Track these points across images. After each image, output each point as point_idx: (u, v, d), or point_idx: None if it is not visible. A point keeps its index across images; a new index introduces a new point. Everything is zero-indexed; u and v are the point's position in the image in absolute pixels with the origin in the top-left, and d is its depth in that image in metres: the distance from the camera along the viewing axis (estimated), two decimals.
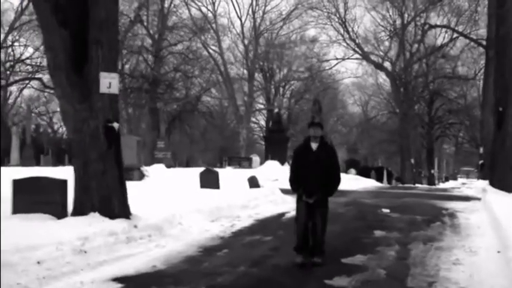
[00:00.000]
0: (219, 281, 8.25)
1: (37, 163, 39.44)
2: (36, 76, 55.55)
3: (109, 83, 11.63)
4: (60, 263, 8.68)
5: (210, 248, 10.95)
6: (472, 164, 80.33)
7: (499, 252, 10.67)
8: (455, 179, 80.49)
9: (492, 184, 24.77)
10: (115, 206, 11.66)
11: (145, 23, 52.46)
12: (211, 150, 72.87)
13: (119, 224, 11.15)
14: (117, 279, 8.16)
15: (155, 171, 25.90)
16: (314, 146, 9.56)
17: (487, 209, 17.63)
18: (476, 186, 28.39)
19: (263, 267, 9.27)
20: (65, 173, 16.35)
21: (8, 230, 9.79)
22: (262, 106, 67.79)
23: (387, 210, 17.36)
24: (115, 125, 11.77)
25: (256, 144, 73.93)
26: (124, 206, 11.92)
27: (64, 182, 11.81)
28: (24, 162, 35.18)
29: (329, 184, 9.51)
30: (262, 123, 70.13)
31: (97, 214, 11.37)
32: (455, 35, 57.76)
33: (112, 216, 11.37)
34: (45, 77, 54.18)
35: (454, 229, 13.99)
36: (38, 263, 8.43)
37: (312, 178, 9.38)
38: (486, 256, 10.44)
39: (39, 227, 10.33)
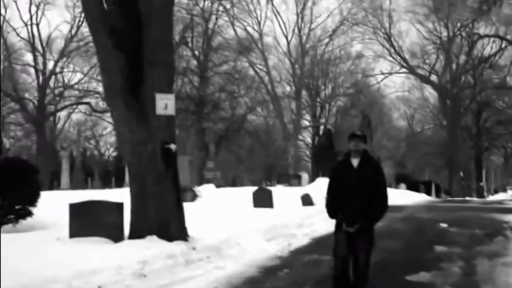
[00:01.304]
0: None
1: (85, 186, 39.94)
2: (84, 101, 56.29)
3: (165, 104, 11.62)
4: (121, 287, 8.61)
5: (270, 268, 10.79)
6: None
7: None
8: (504, 190, 79.03)
9: None
10: (173, 229, 11.61)
11: (190, 44, 52.76)
12: (257, 168, 72.81)
13: (177, 246, 11.08)
14: None
15: (206, 192, 25.85)
16: (355, 162, 7.67)
17: None
18: None
19: (326, 287, 9.08)
20: (116, 195, 16.49)
21: (66, 254, 9.82)
22: (308, 123, 67.56)
23: (445, 225, 17.02)
24: (172, 146, 11.75)
25: (303, 161, 73.57)
26: (182, 228, 11.86)
27: (120, 205, 11.79)
28: (74, 185, 35.60)
29: (375, 208, 7.56)
30: (308, 140, 69.82)
31: (154, 237, 11.31)
32: (504, 44, 56.82)
33: (169, 238, 11.30)
34: (93, 101, 55.05)
35: None
36: (99, 287, 8.36)
37: (354, 201, 7.46)
38: None
39: (97, 250, 10.32)
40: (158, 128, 11.74)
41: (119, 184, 48.91)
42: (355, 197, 7.44)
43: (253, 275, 10.19)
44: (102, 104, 54.58)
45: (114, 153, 78.18)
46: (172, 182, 11.87)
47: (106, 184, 52.28)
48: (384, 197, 7.61)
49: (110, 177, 57.97)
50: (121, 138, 12.22)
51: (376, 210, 7.54)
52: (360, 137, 7.83)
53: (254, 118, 65.40)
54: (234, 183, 58.77)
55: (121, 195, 16.37)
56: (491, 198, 58.25)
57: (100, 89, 52.59)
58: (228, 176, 62.63)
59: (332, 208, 7.73)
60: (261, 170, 72.05)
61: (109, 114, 56.92)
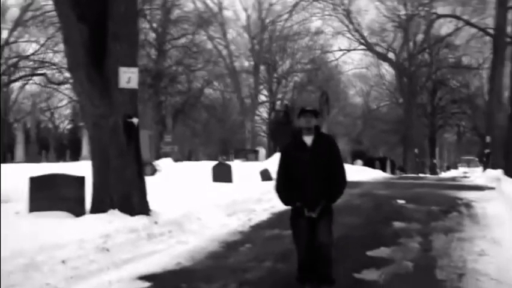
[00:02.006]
0: (248, 277, 8.16)
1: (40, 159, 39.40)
2: (39, 72, 55.24)
3: (128, 77, 11.52)
4: (85, 262, 8.57)
5: (232, 243, 10.86)
6: (473, 153, 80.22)
7: None
8: (456, 168, 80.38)
9: (507, 173, 24.70)
10: (135, 203, 11.56)
11: (148, 17, 52.20)
12: (213, 143, 72.83)
13: (139, 220, 11.05)
14: (144, 278, 8.07)
15: (164, 166, 25.79)
16: (309, 140, 7.05)
17: (504, 198, 17.52)
18: (487, 175, 28.25)
19: (289, 262, 9.09)
20: (74, 169, 16.34)
21: (28, 228, 9.72)
22: (265, 98, 67.59)
23: (403, 201, 17.27)
24: (135, 120, 11.67)
25: (259, 136, 73.70)
26: (144, 202, 11.82)
27: (81, 179, 11.68)
28: (29, 158, 35.10)
29: (334, 187, 7.08)
30: (265, 115, 69.94)
31: (116, 211, 11.26)
32: (461, 24, 57.44)
33: (131, 213, 11.26)
34: (49, 73, 54.11)
35: (472, 219, 13.90)
36: (63, 262, 8.32)
37: (312, 183, 6.92)
38: (510, 247, 10.33)
39: (58, 225, 10.23)
40: (121, 102, 11.63)
41: (75, 157, 48.42)
42: (313, 179, 6.91)
43: (216, 250, 10.25)
44: (58, 76, 53.83)
45: (69, 126, 77.37)
46: (134, 156, 11.80)
47: (60, 157, 51.79)
48: (342, 174, 7.15)
49: (65, 150, 57.41)
50: (84, 112, 12.08)
51: (336, 189, 7.09)
52: (312, 112, 7.13)
53: (211, 92, 65.27)
54: (189, 157, 58.72)
55: (78, 169, 16.25)
56: (443, 175, 59.20)
57: (57, 60, 51.95)
58: (184, 150, 62.52)
59: (285, 193, 7.19)
60: (217, 144, 72.13)
61: (65, 86, 56.31)
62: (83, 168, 17.47)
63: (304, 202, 6.95)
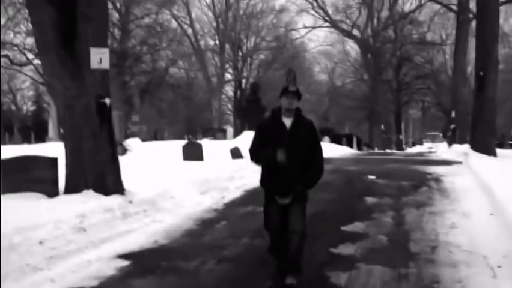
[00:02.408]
0: (225, 254, 8.23)
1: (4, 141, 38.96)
2: (1, 54, 54.31)
3: (99, 58, 11.44)
4: (62, 242, 8.56)
5: (207, 220, 10.93)
6: (437, 128, 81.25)
7: (491, 214, 10.83)
8: (421, 143, 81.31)
9: (473, 148, 25.08)
10: (109, 182, 11.56)
11: None
12: (179, 122, 72.63)
13: (114, 200, 11.06)
14: (123, 256, 8.10)
15: (133, 146, 25.70)
16: (288, 122, 6.68)
17: (471, 172, 17.83)
18: (454, 150, 28.64)
19: (265, 239, 9.17)
20: (42, 150, 16.24)
21: (2, 210, 9.66)
22: (230, 77, 67.51)
23: (373, 177, 17.47)
24: (107, 100, 11.63)
25: (225, 115, 73.67)
26: (118, 182, 11.83)
27: (54, 160, 11.64)
28: None
29: (313, 172, 6.77)
30: (231, 93, 69.90)
31: (90, 191, 11.25)
32: (424, 0, 57.89)
33: (106, 192, 11.27)
34: (11, 54, 53.24)
35: (442, 193, 14.13)
36: (41, 242, 8.31)
37: (288, 168, 6.54)
38: (480, 219, 10.60)
39: (33, 206, 10.22)
40: (93, 83, 11.56)
41: (40, 139, 47.95)
42: (289, 163, 6.50)
43: (191, 227, 10.31)
44: (20, 57, 53.05)
45: (32, 108, 76.51)
46: (108, 137, 11.77)
47: (25, 139, 51.23)
48: (321, 160, 6.84)
49: (30, 132, 56.82)
50: (55, 93, 11.94)
51: (313, 175, 6.77)
52: (295, 93, 6.65)
53: (176, 71, 64.91)
54: (155, 136, 58.51)
55: (46, 150, 16.17)
56: (409, 150, 59.89)
57: (18, 41, 51.12)
58: (150, 130, 62.30)
59: (257, 152, 6.79)
60: (183, 124, 71.97)
61: (28, 67, 55.55)
62: (50, 149, 17.45)
63: (277, 186, 6.66)
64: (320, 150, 6.83)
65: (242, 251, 8.49)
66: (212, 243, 8.98)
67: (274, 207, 6.74)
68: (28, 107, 79.46)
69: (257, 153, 6.79)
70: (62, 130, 13.51)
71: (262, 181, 6.91)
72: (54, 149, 17.70)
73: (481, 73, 25.27)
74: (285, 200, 6.64)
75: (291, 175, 6.57)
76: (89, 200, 10.75)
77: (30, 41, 48.62)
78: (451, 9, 50.82)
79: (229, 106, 71.86)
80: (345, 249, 8.43)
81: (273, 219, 6.79)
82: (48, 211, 9.81)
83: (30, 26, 46.63)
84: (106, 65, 11.68)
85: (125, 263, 7.80)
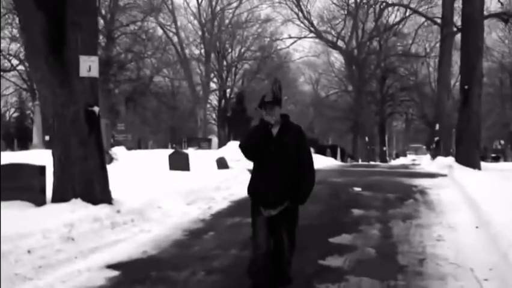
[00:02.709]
0: (215, 265, 8.24)
1: None
2: None
3: (88, 66, 11.43)
4: (51, 252, 8.54)
5: (194, 231, 10.94)
6: (420, 140, 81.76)
7: (477, 227, 10.90)
8: (404, 155, 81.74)
9: (458, 161, 25.23)
10: (97, 192, 11.52)
11: (97, 3, 51.46)
12: (163, 131, 72.53)
13: (102, 209, 11.02)
14: (112, 266, 8.11)
15: (119, 154, 25.63)
16: (274, 130, 6.36)
17: (456, 185, 17.93)
18: (438, 162, 28.75)
19: None
20: (26, 157, 16.15)
21: None
22: (215, 86, 67.53)
23: (359, 189, 17.52)
24: (96, 109, 11.61)
25: (209, 124, 73.66)
26: (106, 191, 11.78)
27: (42, 168, 11.58)
28: None
29: (303, 184, 6.39)
30: (215, 103, 69.99)
31: (79, 200, 11.19)
32: (408, 13, 58.33)
33: (94, 201, 11.22)
34: None
35: (427, 206, 14.19)
36: (29, 252, 8.28)
37: (275, 179, 6.28)
38: (465, 232, 10.65)
39: (20, 215, 10.16)
40: (82, 91, 11.52)
41: (23, 146, 47.71)
42: (277, 173, 6.26)
43: (180, 238, 10.33)
44: (3, 63, 52.82)
45: (16, 114, 76.07)
46: (96, 145, 11.74)
47: (8, 146, 50.94)
48: (312, 169, 6.48)
49: (13, 138, 56.51)
50: (43, 100, 11.90)
51: (305, 187, 6.40)
52: (273, 102, 6.27)
53: (161, 80, 64.89)
54: (139, 145, 58.41)
55: (31, 158, 16.11)
56: (393, 162, 60.19)
57: (2, 46, 50.91)
58: (134, 138, 62.20)
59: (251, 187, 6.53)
60: (167, 133, 71.86)
61: (11, 73, 55.33)
62: (35, 157, 17.38)
63: (264, 198, 6.35)
64: (309, 157, 6.48)
65: (231, 262, 8.49)
66: (201, 253, 8.99)
67: (262, 218, 6.38)
68: (11, 113, 78.94)
69: (248, 139, 6.45)
70: (47, 137, 13.48)
71: (249, 189, 6.55)
72: (39, 156, 17.65)
73: (466, 86, 25.44)
74: (271, 212, 6.32)
75: (279, 187, 6.24)
76: (77, 209, 10.70)
77: (14, 46, 48.52)
78: (435, 22, 51.21)
79: (214, 115, 71.92)
80: (334, 261, 8.47)
81: (261, 229, 6.40)
82: (36, 220, 9.77)
83: (14, 31, 46.74)
84: (95, 73, 11.67)
85: (114, 273, 7.80)
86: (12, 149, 46.13)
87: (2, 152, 29.10)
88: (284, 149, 6.29)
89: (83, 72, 11.46)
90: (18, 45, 50.17)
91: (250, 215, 6.59)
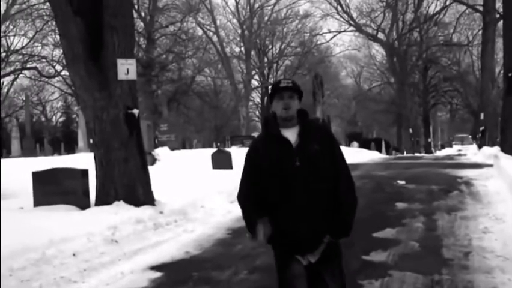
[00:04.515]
0: (258, 263, 8.19)
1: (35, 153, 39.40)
2: (30, 66, 54.95)
3: (126, 69, 11.55)
4: (95, 254, 8.66)
5: (238, 229, 10.87)
6: (466, 130, 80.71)
7: None
8: (450, 146, 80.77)
9: (503, 150, 24.78)
10: (140, 194, 11.65)
11: (136, 6, 51.91)
12: (207, 130, 72.87)
13: (145, 211, 11.13)
14: (155, 268, 8.14)
15: (162, 155, 25.76)
16: (292, 134, 4.34)
17: (502, 175, 17.59)
18: (484, 152, 28.30)
19: None
20: (72, 161, 16.33)
21: (35, 223, 9.78)
22: (257, 83, 67.62)
23: (403, 182, 17.35)
24: (135, 111, 11.72)
25: (253, 121, 73.81)
26: (148, 193, 11.90)
27: (85, 172, 11.75)
28: (25, 153, 35.06)
29: (343, 207, 4.33)
30: (258, 100, 70.06)
31: (121, 202, 11.33)
32: (449, 1, 57.43)
33: (137, 203, 11.35)
34: (40, 66, 53.92)
35: (473, 197, 13.98)
36: (74, 255, 8.40)
37: (305, 207, 4.23)
38: None
39: (65, 218, 10.32)
40: (121, 94, 11.68)
41: (69, 150, 48.36)
42: (308, 199, 4.23)
43: (222, 237, 10.34)
44: (49, 69, 53.70)
45: (62, 119, 77.23)
46: (137, 147, 11.87)
47: (55, 150, 51.68)
48: (352, 183, 4.46)
49: (60, 143, 57.31)
50: (84, 105, 12.07)
51: (348, 210, 4.40)
52: (292, 89, 4.37)
53: (202, 79, 65.18)
54: (184, 145, 58.75)
55: (77, 161, 16.31)
56: (438, 153, 59.49)
57: (46, 53, 51.77)
58: (178, 138, 62.60)
59: (254, 208, 4.40)
60: (211, 131, 72.19)
61: (56, 79, 56.18)
62: (81, 160, 17.61)
63: (293, 239, 4.30)
64: (346, 169, 4.45)
65: (274, 260, 8.45)
66: (244, 252, 8.97)
67: (295, 270, 4.40)
68: (57, 118, 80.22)
69: (247, 220, 4.53)
70: (91, 141, 13.68)
71: (251, 212, 4.48)
72: (84, 159, 17.85)
73: (510, 74, 24.96)
74: (311, 259, 4.37)
75: (312, 218, 4.25)
76: (120, 212, 10.82)
77: (58, 52, 49.26)
78: (476, 10, 50.39)
79: (257, 113, 72.00)
80: (377, 256, 8.38)
81: (298, 283, 4.42)
82: (80, 223, 9.91)
83: (57, 37, 47.36)
84: (133, 75, 11.78)
85: (157, 274, 7.83)
86: (60, 153, 46.78)
87: (49, 157, 29.63)
88: (312, 161, 4.26)
89: (121, 75, 11.56)
90: (61, 51, 50.93)
91: (276, 270, 4.58)
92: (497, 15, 40.97)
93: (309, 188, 4.25)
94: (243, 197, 4.56)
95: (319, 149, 4.31)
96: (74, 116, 68.63)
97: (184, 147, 50.76)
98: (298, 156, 4.26)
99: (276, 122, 4.42)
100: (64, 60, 52.88)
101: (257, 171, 4.36)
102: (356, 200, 4.51)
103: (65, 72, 50.88)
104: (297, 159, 4.25)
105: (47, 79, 57.05)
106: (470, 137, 68.39)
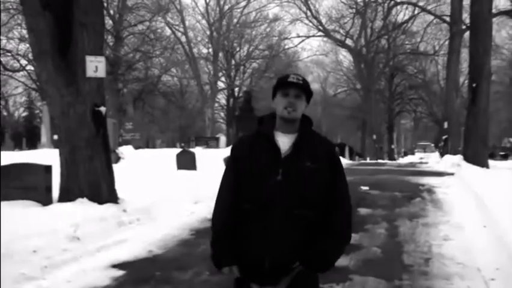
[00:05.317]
0: None
1: None
2: None
3: (95, 66, 11.48)
4: (57, 251, 8.58)
5: (201, 230, 10.88)
6: (429, 138, 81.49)
7: (485, 227, 10.84)
8: (412, 153, 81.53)
9: (466, 159, 25.17)
10: (104, 191, 11.60)
11: (105, 4, 51.55)
12: (171, 130, 72.62)
13: (108, 209, 11.09)
14: (117, 266, 8.10)
15: (126, 153, 25.69)
16: (286, 141, 3.61)
17: (464, 183, 17.87)
18: (446, 161, 28.64)
19: None
20: (34, 157, 16.17)
21: None
22: (223, 85, 67.56)
23: (367, 188, 17.48)
24: (102, 109, 11.66)
25: (217, 123, 73.67)
26: (112, 191, 11.86)
27: (49, 168, 11.64)
28: None
29: (326, 238, 3.55)
30: (223, 102, 69.97)
31: (85, 200, 11.27)
32: (417, 11, 58.07)
33: (100, 201, 11.29)
34: (4, 60, 53.12)
35: (435, 205, 14.15)
36: (35, 251, 8.31)
37: (279, 227, 3.48)
38: (473, 231, 10.57)
39: (27, 214, 10.22)
40: (88, 91, 11.62)
41: (31, 145, 47.87)
42: (283, 219, 3.46)
43: (186, 237, 10.32)
44: (13, 63, 52.99)
45: (24, 114, 76.35)
46: (103, 145, 11.82)
47: (17, 145, 51.16)
48: (348, 218, 3.72)
49: (21, 138, 56.72)
50: (50, 100, 11.97)
51: (332, 245, 3.59)
52: (301, 87, 3.61)
53: (169, 79, 64.98)
54: (147, 144, 58.54)
55: (39, 157, 16.15)
56: (401, 160, 59.97)
57: (11, 46, 51.08)
58: (142, 137, 62.33)
59: (226, 239, 3.63)
60: (175, 132, 71.98)
61: (20, 73, 55.51)
62: (43, 156, 17.44)
63: (258, 263, 3.51)
64: (347, 203, 3.72)
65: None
66: (207, 253, 8.80)
67: None
68: (20, 113, 79.18)
69: (220, 254, 3.69)
70: (55, 137, 13.58)
71: (226, 250, 3.66)
72: (47, 155, 17.69)
73: (474, 84, 25.37)
74: None
75: (287, 241, 3.47)
76: (83, 209, 10.76)
77: (23, 47, 48.71)
78: (444, 21, 50.97)
79: (222, 114, 71.93)
80: (339, 260, 8.39)
81: None
82: (42, 219, 9.84)
83: (23, 31, 46.85)
84: (102, 73, 11.72)
85: (119, 272, 7.79)
86: (21, 148, 46.31)
87: (10, 152, 29.28)
88: (298, 179, 3.49)
89: (89, 72, 11.50)
90: (27, 45, 50.39)
91: None
92: (464, 27, 41.52)
93: (288, 212, 3.45)
94: (220, 224, 3.72)
95: (312, 167, 3.51)
96: (38, 111, 67.87)
97: (147, 147, 50.61)
98: (282, 169, 3.48)
99: (273, 122, 3.68)
100: (29, 55, 52.51)
101: (237, 179, 3.61)
102: (348, 239, 3.74)
103: (30, 67, 50.39)
104: (280, 172, 3.47)
105: (11, 73, 56.20)
106: (432, 145, 69.04)
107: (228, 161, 3.76)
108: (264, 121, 3.71)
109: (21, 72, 55.35)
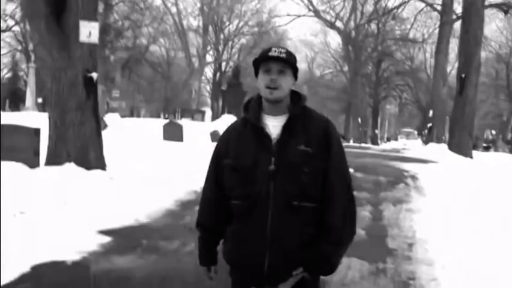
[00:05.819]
0: None
1: None
2: None
3: (89, 32, 11.40)
4: (43, 215, 8.55)
5: (187, 202, 10.95)
6: (412, 125, 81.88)
7: (467, 215, 10.95)
8: (396, 139, 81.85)
9: (450, 148, 25.34)
10: (92, 157, 11.57)
11: None
12: (156, 101, 72.41)
13: (96, 175, 11.09)
14: (104, 232, 8.13)
15: (112, 121, 25.62)
16: (276, 124, 3.13)
17: (447, 172, 18.01)
18: (430, 148, 28.79)
19: None
20: (19, 119, 16.08)
21: None
22: (211, 59, 67.42)
23: (352, 170, 17.50)
24: (94, 75, 11.59)
25: (202, 96, 73.52)
26: (100, 157, 11.84)
27: (37, 131, 11.58)
28: None
29: (330, 233, 3.11)
30: (210, 75, 69.83)
31: (72, 165, 11.23)
32: None
33: (88, 167, 11.27)
34: None
35: (418, 191, 14.23)
36: (21, 213, 8.29)
37: (276, 227, 3.03)
38: (456, 219, 10.68)
39: (14, 176, 10.15)
40: (81, 56, 11.53)
41: (15, 107, 47.54)
42: (279, 219, 3.04)
43: (172, 208, 10.36)
44: None
45: (8, 75, 75.65)
46: (93, 111, 11.77)
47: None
48: (348, 209, 3.32)
49: (4, 100, 56.29)
50: (42, 64, 11.88)
51: (336, 239, 3.16)
52: (284, 61, 3.11)
53: (156, 49, 64.73)
54: (132, 113, 58.38)
55: (24, 120, 16.05)
56: (384, 145, 60.21)
57: None
58: (127, 106, 62.13)
59: (208, 238, 3.47)
60: (160, 102, 71.77)
61: (6, 33, 54.98)
62: (28, 119, 17.35)
63: (251, 270, 3.15)
64: (345, 188, 3.32)
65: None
66: (192, 225, 8.96)
67: None
68: (4, 74, 78.39)
69: (205, 251, 3.51)
70: (40, 100, 13.47)
71: (225, 251, 3.32)
72: (32, 118, 17.60)
73: (463, 75, 25.48)
74: None
75: (285, 241, 3.07)
76: (70, 174, 10.74)
77: (10, 7, 48.20)
78: (434, 9, 50.96)
79: (208, 88, 71.79)
80: None
81: None
82: (29, 182, 9.79)
83: None
84: (95, 39, 11.65)
85: (106, 239, 7.82)
86: (4, 110, 45.96)
87: None
88: (295, 165, 3.07)
89: (83, 37, 11.42)
90: (14, 6, 49.93)
91: None
92: (454, 16, 41.59)
93: (286, 204, 3.05)
94: (203, 221, 3.50)
95: (309, 152, 3.07)
96: (22, 73, 67.33)
97: (132, 115, 50.46)
98: (274, 157, 3.06)
99: (260, 105, 3.21)
100: (16, 16, 52.01)
101: (221, 174, 3.28)
102: (350, 237, 3.32)
103: (16, 28, 49.90)
104: (273, 160, 3.05)
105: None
106: (416, 132, 69.38)
107: (212, 156, 3.38)
108: (250, 105, 3.23)
109: (8, 33, 54.80)
